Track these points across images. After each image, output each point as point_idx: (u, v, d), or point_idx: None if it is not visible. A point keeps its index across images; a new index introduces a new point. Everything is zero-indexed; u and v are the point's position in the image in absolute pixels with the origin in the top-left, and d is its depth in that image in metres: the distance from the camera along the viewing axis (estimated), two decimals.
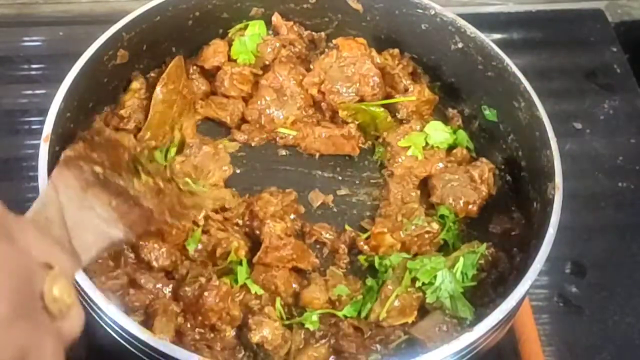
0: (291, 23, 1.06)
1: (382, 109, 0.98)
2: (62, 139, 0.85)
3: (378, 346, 0.80)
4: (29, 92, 1.15)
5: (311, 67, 1.01)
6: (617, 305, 0.99)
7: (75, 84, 0.87)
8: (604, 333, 0.97)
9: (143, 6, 0.95)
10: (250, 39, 1.02)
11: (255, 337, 0.79)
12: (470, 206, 0.92)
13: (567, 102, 1.19)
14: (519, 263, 0.86)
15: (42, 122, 0.84)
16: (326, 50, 1.04)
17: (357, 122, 0.98)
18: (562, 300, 1.00)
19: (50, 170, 0.80)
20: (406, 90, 1.01)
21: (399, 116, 1.00)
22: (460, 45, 0.99)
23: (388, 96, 1.00)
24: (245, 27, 1.04)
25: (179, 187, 0.84)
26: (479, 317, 0.76)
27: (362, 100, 0.98)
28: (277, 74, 0.99)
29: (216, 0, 1.01)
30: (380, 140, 0.99)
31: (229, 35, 1.05)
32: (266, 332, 0.79)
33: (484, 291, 0.84)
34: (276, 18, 1.05)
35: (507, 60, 0.94)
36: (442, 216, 0.91)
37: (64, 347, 0.46)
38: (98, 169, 0.76)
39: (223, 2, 1.02)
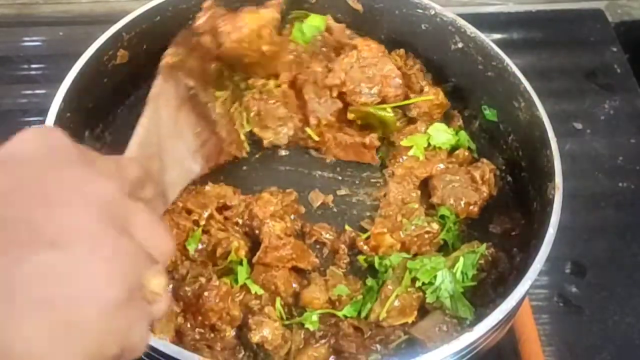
0: None
1: (391, 114, 0.97)
2: None
3: (378, 346, 0.80)
4: (29, 92, 1.15)
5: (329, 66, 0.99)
6: (617, 305, 0.99)
7: (75, 84, 0.87)
8: (604, 333, 0.97)
9: (143, 6, 0.95)
10: (307, 28, 1.01)
11: (255, 337, 0.79)
12: (471, 207, 0.92)
13: (567, 102, 1.19)
14: (519, 263, 0.86)
15: (42, 122, 0.84)
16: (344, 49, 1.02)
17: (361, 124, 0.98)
18: (562, 300, 1.00)
19: None
20: (421, 90, 1.00)
21: (409, 114, 0.99)
22: (460, 45, 0.99)
23: (405, 97, 1.00)
24: (305, 17, 1.03)
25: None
26: (479, 317, 0.76)
27: (383, 101, 0.97)
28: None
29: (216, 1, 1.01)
30: (384, 139, 0.99)
31: (289, 17, 1.03)
32: (266, 332, 0.79)
33: (484, 291, 0.84)
34: None
35: (507, 60, 0.94)
36: (442, 216, 0.91)
37: None
38: (190, 82, 0.75)
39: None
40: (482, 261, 0.86)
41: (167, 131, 0.68)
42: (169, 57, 0.76)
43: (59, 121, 0.84)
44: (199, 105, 0.74)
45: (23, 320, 0.39)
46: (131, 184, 0.52)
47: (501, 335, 0.82)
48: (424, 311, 0.83)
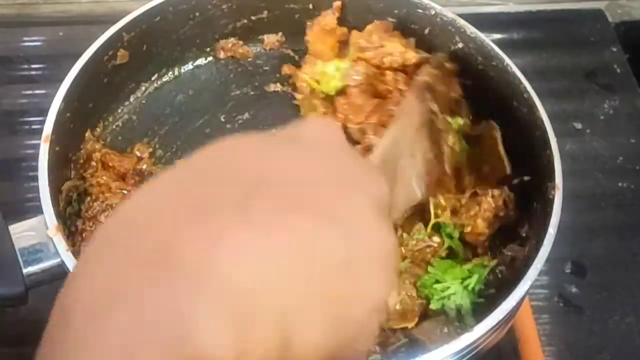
0: None
1: None
2: (62, 139, 0.85)
3: (377, 347, 0.80)
4: (29, 92, 1.15)
5: None
6: (617, 305, 0.99)
7: (75, 84, 0.87)
8: (604, 333, 0.97)
9: (143, 6, 0.95)
10: None
11: None
12: (479, 237, 0.88)
13: (567, 102, 1.19)
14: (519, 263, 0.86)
15: (42, 122, 0.83)
16: None
17: None
18: (562, 300, 1.00)
19: (50, 171, 0.80)
20: None
21: None
22: (460, 45, 0.99)
23: None
24: None
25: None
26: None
27: None
28: None
29: (216, 1, 1.01)
30: None
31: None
32: None
33: (489, 307, 0.83)
34: None
35: (507, 60, 0.94)
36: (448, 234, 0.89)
37: None
38: (435, 106, 0.74)
39: (225, 6, 1.02)
40: (490, 276, 0.85)
41: (404, 149, 0.68)
42: (425, 76, 0.76)
43: (59, 121, 0.84)
44: (435, 131, 0.74)
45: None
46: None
47: (501, 335, 0.82)
48: (425, 315, 0.83)
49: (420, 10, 1.00)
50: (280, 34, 1.08)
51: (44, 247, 0.75)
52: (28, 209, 0.99)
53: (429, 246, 0.87)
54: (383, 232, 0.41)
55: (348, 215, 0.39)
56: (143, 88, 1.02)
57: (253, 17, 1.06)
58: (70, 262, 0.73)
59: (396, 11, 1.01)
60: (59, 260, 0.74)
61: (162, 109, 1.01)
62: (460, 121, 0.83)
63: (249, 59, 1.08)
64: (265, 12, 1.06)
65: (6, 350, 0.91)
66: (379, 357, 0.80)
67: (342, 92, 0.96)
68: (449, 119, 0.79)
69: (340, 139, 0.47)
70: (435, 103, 0.74)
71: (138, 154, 0.95)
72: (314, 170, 0.41)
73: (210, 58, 1.07)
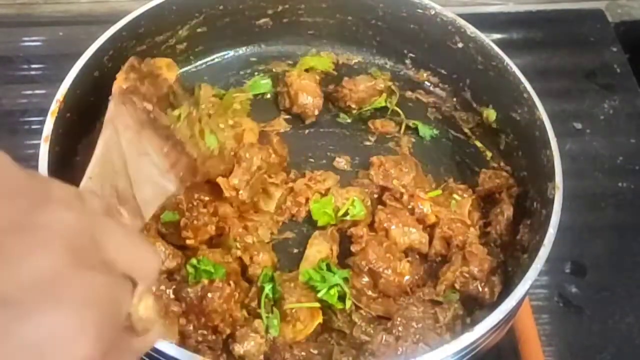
0: None
1: None
2: (62, 139, 0.85)
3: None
4: (29, 92, 1.15)
5: None
6: (617, 305, 0.99)
7: (75, 84, 0.87)
8: (604, 333, 0.97)
9: (143, 6, 0.95)
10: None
11: (239, 350, 0.79)
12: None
13: (567, 102, 1.19)
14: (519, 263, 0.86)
15: (42, 122, 0.83)
16: None
17: None
18: (562, 300, 1.00)
19: (50, 170, 0.80)
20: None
21: None
22: (460, 45, 0.99)
23: None
24: None
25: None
26: (479, 317, 0.77)
27: None
28: None
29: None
30: None
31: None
32: (250, 346, 0.79)
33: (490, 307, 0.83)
34: None
35: (507, 60, 0.94)
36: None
37: None
38: (148, 105, 0.74)
39: (226, 8, 1.02)
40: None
41: (131, 151, 0.67)
42: (120, 82, 0.76)
43: (59, 121, 0.84)
44: (162, 127, 0.74)
45: None
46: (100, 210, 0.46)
47: (501, 335, 0.82)
48: None
49: (420, 10, 1.00)
50: None
51: None
52: None
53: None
54: (69, 293, 0.36)
55: (12, 289, 0.35)
56: None
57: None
58: None
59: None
60: None
61: None
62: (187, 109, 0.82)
63: None
64: None
65: None
66: None
67: None
68: (172, 112, 0.78)
69: (5, 175, 0.39)
70: (147, 102, 0.74)
71: None
72: None
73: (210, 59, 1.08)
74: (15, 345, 0.33)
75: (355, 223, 0.91)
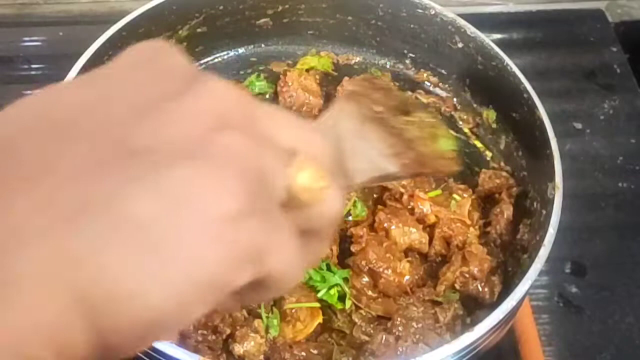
0: None
1: None
2: None
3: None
4: (29, 92, 1.14)
5: None
6: (617, 305, 0.99)
7: None
8: (604, 333, 0.97)
9: (143, 6, 0.95)
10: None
11: (238, 350, 0.79)
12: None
13: (567, 102, 1.19)
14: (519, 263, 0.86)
15: None
16: None
17: None
18: (562, 300, 1.00)
19: None
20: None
21: None
22: (460, 45, 0.99)
23: None
24: None
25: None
26: (479, 317, 0.77)
27: None
28: None
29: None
30: None
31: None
32: (250, 346, 0.79)
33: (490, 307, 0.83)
34: None
35: (507, 60, 0.94)
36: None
37: (320, 232, 0.40)
38: (378, 107, 0.74)
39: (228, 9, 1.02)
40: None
41: (350, 133, 0.67)
42: (350, 86, 0.75)
43: None
44: (389, 126, 0.73)
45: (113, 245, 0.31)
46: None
47: (501, 335, 0.82)
48: None
49: (420, 10, 1.00)
50: None
51: None
52: None
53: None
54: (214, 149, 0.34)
55: (156, 143, 0.33)
56: None
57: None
58: None
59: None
60: None
61: None
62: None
63: None
64: None
65: None
66: None
67: None
68: (404, 117, 0.78)
69: (173, 64, 0.38)
70: (377, 105, 0.73)
71: None
72: (110, 103, 0.35)
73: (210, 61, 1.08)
74: (151, 189, 0.32)
75: (355, 223, 0.91)
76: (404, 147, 0.72)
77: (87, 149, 0.33)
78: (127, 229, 0.31)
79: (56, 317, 0.30)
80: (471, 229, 0.90)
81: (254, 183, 0.34)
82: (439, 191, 0.93)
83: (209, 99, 0.35)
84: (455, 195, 0.92)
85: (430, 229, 0.91)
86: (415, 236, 0.89)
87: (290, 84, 1.02)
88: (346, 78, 1.03)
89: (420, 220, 0.91)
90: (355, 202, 0.91)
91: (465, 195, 0.93)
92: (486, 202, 0.94)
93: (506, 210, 0.90)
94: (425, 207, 0.91)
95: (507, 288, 0.83)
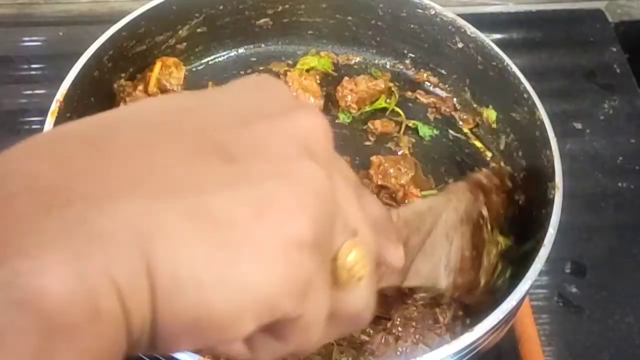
0: None
1: None
2: None
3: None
4: (29, 92, 1.15)
5: None
6: (617, 305, 0.99)
7: (75, 84, 0.87)
8: (604, 333, 0.97)
9: (143, 6, 0.95)
10: None
11: None
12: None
13: (567, 102, 1.19)
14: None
15: (42, 122, 0.83)
16: None
17: None
18: (562, 300, 1.00)
19: None
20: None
21: None
22: (460, 45, 0.99)
23: None
24: None
25: None
26: (479, 317, 0.76)
27: None
28: None
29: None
30: None
31: None
32: None
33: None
34: None
35: (507, 60, 0.94)
36: None
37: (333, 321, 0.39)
38: (485, 212, 0.73)
39: (228, 9, 1.02)
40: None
41: (442, 228, 0.67)
42: (482, 176, 0.74)
43: (59, 121, 0.84)
44: (480, 238, 0.73)
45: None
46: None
47: (501, 335, 0.82)
48: None
49: (420, 10, 1.00)
50: None
51: None
52: None
53: None
54: (296, 171, 0.35)
55: (248, 150, 0.36)
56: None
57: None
58: None
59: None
60: None
61: None
62: (507, 242, 0.80)
63: None
64: None
65: None
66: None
67: None
68: (498, 236, 0.77)
69: (282, 94, 0.42)
70: (486, 209, 0.73)
71: None
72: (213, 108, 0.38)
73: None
74: (236, 195, 0.33)
75: None
76: (469, 266, 0.71)
77: (190, 141, 0.35)
78: (206, 221, 0.32)
79: (130, 279, 0.30)
80: None
81: (326, 222, 0.35)
82: (434, 190, 0.93)
83: (302, 126, 0.38)
84: None
85: None
86: None
87: (290, 84, 1.02)
88: (346, 78, 1.03)
89: None
90: None
91: None
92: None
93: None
94: None
95: (507, 288, 0.83)
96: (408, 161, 0.95)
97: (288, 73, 1.04)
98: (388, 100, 1.04)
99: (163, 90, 0.98)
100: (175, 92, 0.95)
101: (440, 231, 0.66)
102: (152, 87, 0.96)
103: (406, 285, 0.63)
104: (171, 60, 0.98)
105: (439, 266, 0.67)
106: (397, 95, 1.05)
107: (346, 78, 1.04)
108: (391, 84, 1.05)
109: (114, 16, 0.95)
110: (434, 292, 0.74)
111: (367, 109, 1.03)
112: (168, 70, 0.98)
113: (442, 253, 0.68)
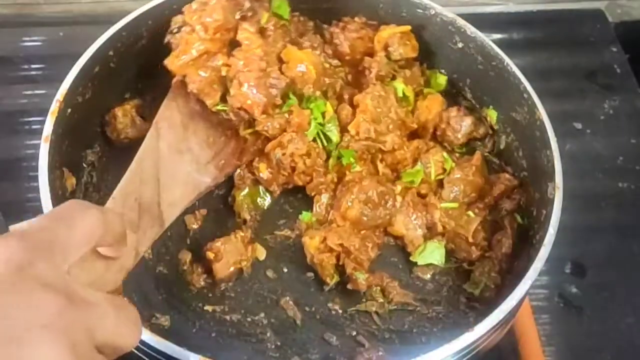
0: None
1: None
2: (62, 139, 0.85)
3: None
4: (29, 92, 1.15)
5: None
6: (617, 305, 0.99)
7: (75, 84, 0.87)
8: (604, 333, 0.97)
9: (143, 6, 0.95)
10: None
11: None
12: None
13: (567, 102, 1.19)
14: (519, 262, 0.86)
15: (42, 122, 0.83)
16: None
17: None
18: (562, 300, 1.00)
19: (50, 170, 0.80)
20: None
21: None
22: (460, 45, 0.99)
23: None
24: None
25: None
26: (479, 317, 0.77)
27: None
28: None
29: None
30: None
31: None
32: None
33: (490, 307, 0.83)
34: None
35: (507, 60, 0.94)
36: None
37: None
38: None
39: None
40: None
41: (170, 152, 0.68)
42: (179, 76, 0.75)
43: (59, 121, 0.84)
44: (214, 114, 0.74)
45: None
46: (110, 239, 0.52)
47: (501, 335, 0.82)
48: None
49: (420, 10, 1.00)
50: None
51: None
52: (28, 208, 0.99)
53: None
54: None
55: None
56: (143, 87, 1.02)
57: None
58: None
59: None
60: None
61: None
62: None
63: None
64: None
65: None
66: None
67: None
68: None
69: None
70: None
71: None
72: None
73: None
74: None
75: None
76: (225, 139, 0.72)
77: None
78: None
79: None
80: (472, 247, 0.89)
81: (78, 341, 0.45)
82: (455, 204, 0.91)
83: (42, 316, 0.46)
84: (469, 212, 0.91)
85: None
86: None
87: None
88: None
89: (429, 228, 0.91)
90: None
91: (477, 211, 0.91)
92: (493, 226, 0.92)
93: (506, 241, 0.89)
94: (435, 215, 0.91)
95: (507, 288, 0.83)
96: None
97: None
98: None
99: None
100: None
101: (169, 156, 0.68)
102: None
103: (170, 221, 0.64)
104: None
105: (191, 177, 0.69)
106: None
107: None
108: None
109: (114, 16, 0.95)
110: (204, 192, 0.75)
111: None
112: None
113: (185, 166, 0.69)
